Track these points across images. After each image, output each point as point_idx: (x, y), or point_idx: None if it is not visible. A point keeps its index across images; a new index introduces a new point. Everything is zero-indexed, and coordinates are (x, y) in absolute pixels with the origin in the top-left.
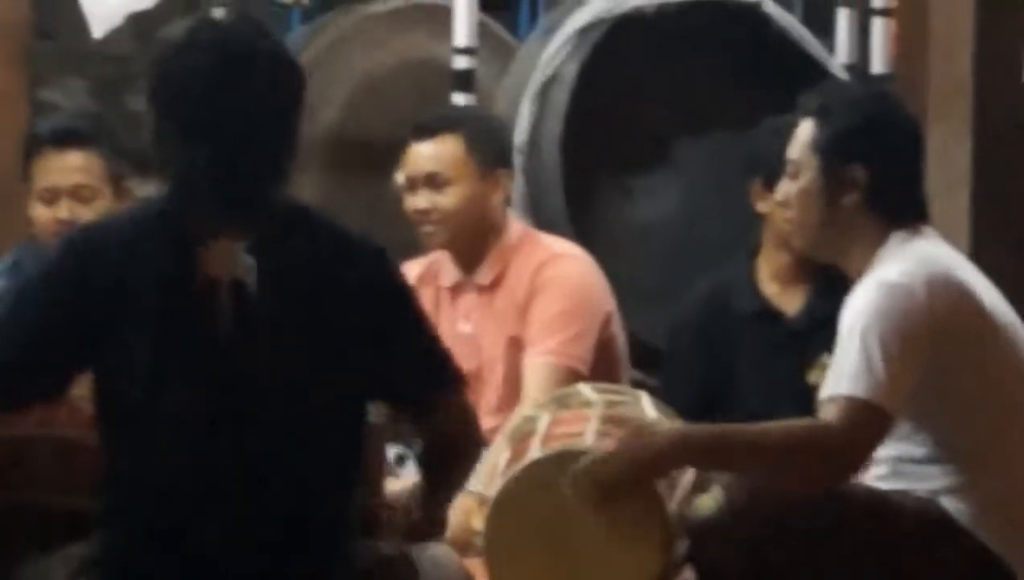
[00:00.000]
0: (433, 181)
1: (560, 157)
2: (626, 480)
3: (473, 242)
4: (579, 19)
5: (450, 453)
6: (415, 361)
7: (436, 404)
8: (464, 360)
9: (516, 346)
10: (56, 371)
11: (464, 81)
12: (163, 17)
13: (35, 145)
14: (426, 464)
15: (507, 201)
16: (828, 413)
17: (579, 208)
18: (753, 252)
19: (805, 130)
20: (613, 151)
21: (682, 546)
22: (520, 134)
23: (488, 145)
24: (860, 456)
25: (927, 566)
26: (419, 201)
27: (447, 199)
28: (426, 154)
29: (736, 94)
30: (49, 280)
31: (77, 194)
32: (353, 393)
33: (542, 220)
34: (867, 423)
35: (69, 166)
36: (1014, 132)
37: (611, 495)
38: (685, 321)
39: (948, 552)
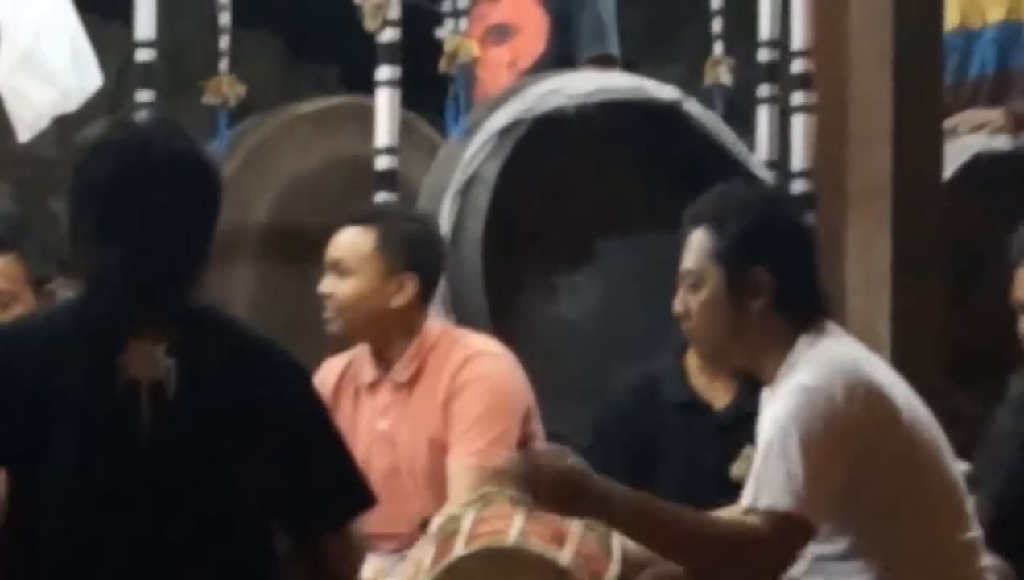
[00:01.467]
0: (338, 267)
1: (481, 256)
2: (561, 495)
3: (377, 337)
4: (500, 119)
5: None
6: (310, 486)
7: (321, 534)
8: (380, 457)
9: (437, 447)
10: None
11: (386, 180)
12: (86, 121)
13: None
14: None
15: (423, 301)
16: (754, 521)
17: (501, 306)
18: (683, 345)
19: (699, 239)
20: (535, 249)
21: None
22: (448, 224)
23: (401, 247)
24: (784, 564)
25: None
26: (324, 285)
27: (344, 287)
28: (340, 241)
29: (657, 192)
30: None
31: None
32: (261, 495)
33: (463, 317)
34: (791, 534)
35: None
36: (933, 230)
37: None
38: (612, 407)
39: None
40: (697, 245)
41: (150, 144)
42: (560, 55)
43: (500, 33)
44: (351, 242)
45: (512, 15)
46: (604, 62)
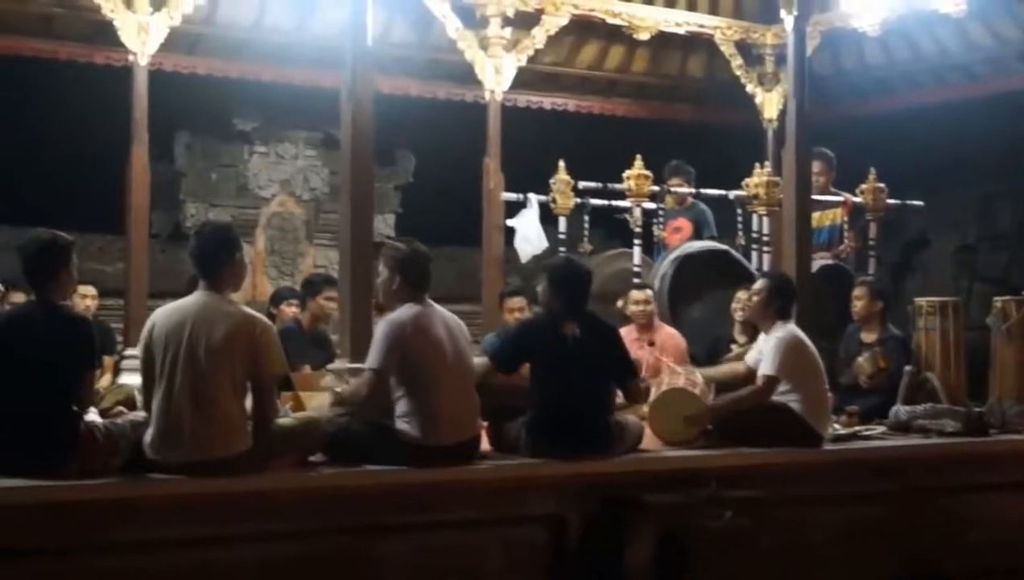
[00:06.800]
0: (645, 302)
1: (668, 298)
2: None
3: (647, 326)
4: (671, 256)
5: (632, 397)
6: (623, 367)
7: (629, 382)
8: (640, 369)
9: (658, 362)
10: (517, 363)
11: (638, 276)
12: (546, 256)
13: (501, 296)
14: (626, 399)
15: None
16: (760, 381)
17: (673, 315)
18: (732, 324)
19: (759, 283)
20: (683, 296)
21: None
22: (655, 289)
23: (654, 297)
24: (770, 393)
25: (782, 425)
26: (637, 309)
27: (648, 310)
28: (643, 296)
29: (721, 280)
30: (516, 331)
31: (521, 310)
32: (610, 372)
33: (663, 319)
34: (772, 384)
35: (515, 303)
36: (806, 291)
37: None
38: (709, 346)
39: (788, 420)
40: (758, 285)
41: (572, 263)
42: (697, 236)
43: (677, 229)
44: (648, 294)
45: (680, 223)
46: (712, 238)
